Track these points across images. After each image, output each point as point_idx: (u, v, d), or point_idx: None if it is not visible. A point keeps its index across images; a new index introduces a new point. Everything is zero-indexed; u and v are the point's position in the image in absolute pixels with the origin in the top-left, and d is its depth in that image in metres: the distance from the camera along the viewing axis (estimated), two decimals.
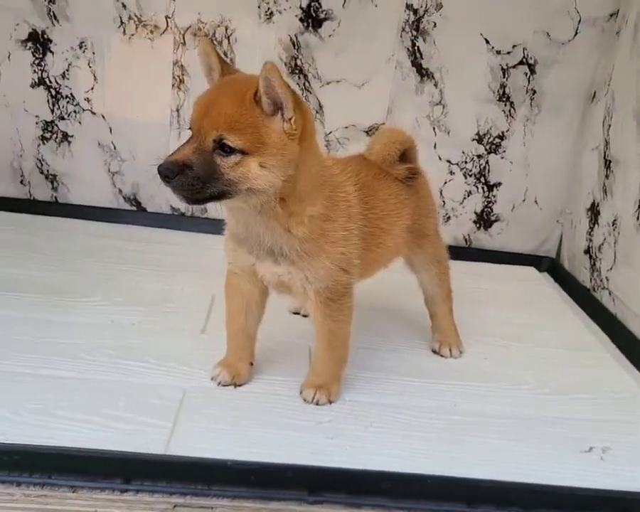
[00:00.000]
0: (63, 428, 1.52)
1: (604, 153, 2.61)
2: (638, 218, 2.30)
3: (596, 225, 2.64)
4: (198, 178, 1.39)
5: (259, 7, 2.65)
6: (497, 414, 1.79)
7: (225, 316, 1.81)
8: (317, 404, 1.72)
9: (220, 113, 1.39)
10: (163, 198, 2.94)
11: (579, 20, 2.67)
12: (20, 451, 1.40)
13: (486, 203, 2.97)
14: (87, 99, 2.80)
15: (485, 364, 2.07)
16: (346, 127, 2.80)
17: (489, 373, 2.00)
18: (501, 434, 1.69)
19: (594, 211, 2.67)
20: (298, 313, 2.24)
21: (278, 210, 1.50)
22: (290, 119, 1.43)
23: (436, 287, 2.07)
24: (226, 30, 2.68)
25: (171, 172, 1.38)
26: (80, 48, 2.72)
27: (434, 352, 2.11)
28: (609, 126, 2.58)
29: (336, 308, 1.66)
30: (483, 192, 2.95)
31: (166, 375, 1.79)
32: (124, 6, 2.66)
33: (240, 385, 1.77)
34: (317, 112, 2.78)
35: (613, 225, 2.49)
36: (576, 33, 2.70)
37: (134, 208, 2.97)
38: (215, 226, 2.89)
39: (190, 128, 1.45)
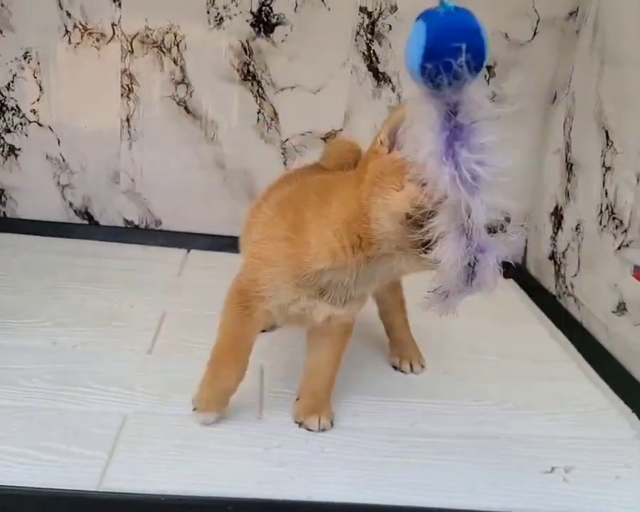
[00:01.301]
0: None
1: (566, 156, 2.55)
2: (600, 223, 2.25)
3: (559, 230, 2.59)
4: None
5: (208, 12, 2.56)
6: (457, 433, 1.70)
7: (218, 347, 1.61)
8: (323, 431, 1.64)
9: None
10: (115, 211, 2.84)
11: (538, 20, 2.62)
12: None
13: None
14: (34, 111, 2.68)
15: (445, 379, 1.99)
16: (303, 134, 2.72)
17: (450, 389, 1.92)
18: (460, 455, 1.61)
19: (557, 216, 2.62)
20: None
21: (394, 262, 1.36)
22: None
23: (390, 293, 1.97)
24: (175, 36, 2.59)
25: None
26: (25, 58, 2.61)
27: (394, 367, 2.02)
28: (570, 128, 2.53)
29: (352, 323, 1.61)
30: None
31: (106, 400, 1.68)
32: (68, 14, 2.55)
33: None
34: (272, 120, 2.69)
35: (576, 229, 2.44)
36: (535, 34, 2.64)
37: (86, 222, 2.86)
38: (169, 239, 2.85)
39: None
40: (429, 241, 1.18)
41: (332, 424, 1.67)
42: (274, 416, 1.70)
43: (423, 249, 1.21)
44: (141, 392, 1.73)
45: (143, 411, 1.66)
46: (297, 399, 1.72)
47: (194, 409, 1.63)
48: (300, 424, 1.66)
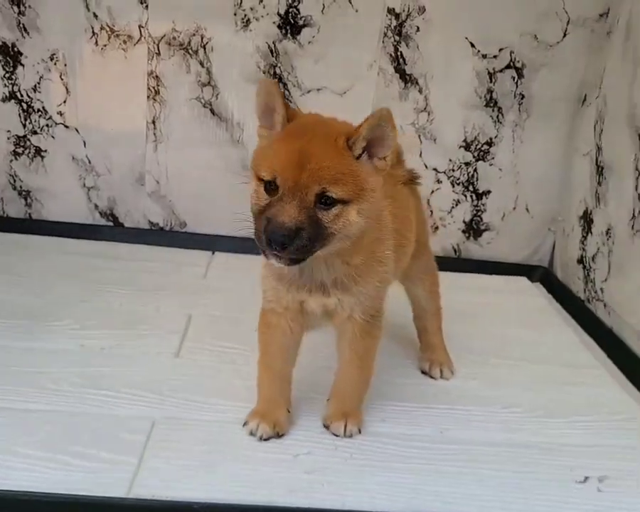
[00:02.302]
0: (21, 468, 1.42)
1: (596, 159, 2.51)
2: (633, 227, 2.21)
3: (589, 234, 2.55)
4: (309, 239, 1.30)
5: (235, 14, 2.55)
6: (487, 441, 1.68)
7: (258, 359, 1.65)
8: (350, 436, 1.62)
9: (320, 166, 1.30)
10: (140, 213, 2.84)
11: (568, 21, 2.58)
12: None
13: (475, 212, 2.87)
14: (60, 113, 2.70)
15: (474, 385, 1.96)
16: None
17: (479, 396, 1.90)
18: (490, 463, 1.59)
19: (587, 219, 2.58)
20: None
21: (344, 247, 1.42)
22: (384, 158, 1.38)
23: (428, 300, 1.99)
24: (202, 39, 2.59)
25: (289, 239, 1.28)
26: (52, 60, 2.62)
27: (423, 372, 2.00)
28: (601, 130, 2.49)
29: (374, 325, 1.59)
30: (472, 200, 2.85)
31: (134, 405, 1.69)
32: (95, 16, 2.56)
33: (282, 435, 1.61)
34: None
35: (607, 234, 2.40)
36: (565, 35, 2.60)
37: (111, 224, 2.87)
38: (194, 241, 2.85)
39: (269, 181, 1.34)
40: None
41: (360, 431, 1.65)
42: (303, 421, 1.69)
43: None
44: (169, 397, 1.73)
45: (171, 416, 1.66)
46: (327, 400, 1.71)
47: (244, 424, 1.62)
48: (327, 428, 1.65)
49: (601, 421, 1.84)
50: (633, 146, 2.22)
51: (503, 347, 2.21)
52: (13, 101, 2.68)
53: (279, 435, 1.61)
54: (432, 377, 1.98)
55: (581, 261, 2.61)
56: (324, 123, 1.43)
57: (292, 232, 1.27)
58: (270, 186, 1.34)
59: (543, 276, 2.92)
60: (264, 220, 1.31)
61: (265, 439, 1.58)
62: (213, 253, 2.83)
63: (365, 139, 1.34)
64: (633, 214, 2.20)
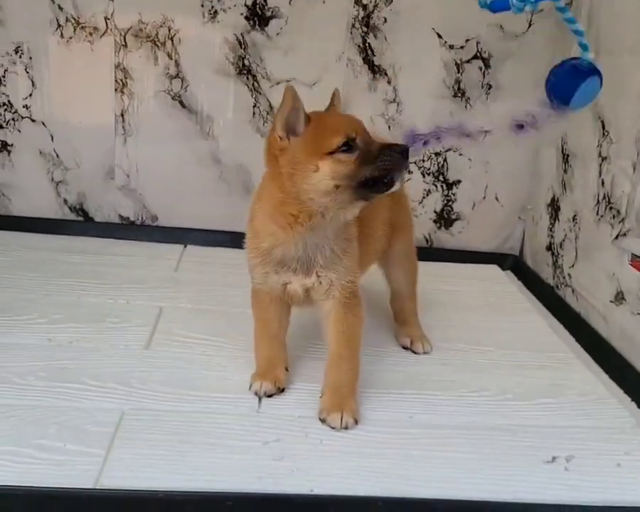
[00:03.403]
0: None
1: (562, 147, 2.54)
2: (597, 213, 2.24)
3: (557, 221, 2.58)
4: None
5: (202, 5, 2.54)
6: (456, 425, 1.70)
7: (254, 329, 1.81)
8: (346, 428, 1.62)
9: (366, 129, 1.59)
10: (110, 207, 2.82)
11: (532, 12, 2.61)
12: None
13: (445, 202, 2.90)
14: (26, 106, 2.67)
15: (444, 370, 1.98)
16: None
17: (448, 381, 1.91)
18: (459, 447, 1.60)
19: (554, 207, 2.61)
20: None
21: (340, 225, 1.63)
22: None
23: (406, 284, 2.11)
24: (169, 30, 2.57)
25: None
26: (16, 52, 2.59)
27: (405, 348, 2.09)
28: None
29: (354, 304, 1.71)
30: (443, 190, 2.88)
31: (103, 397, 1.67)
32: (60, 8, 2.54)
33: (282, 390, 1.76)
34: (268, 114, 2.68)
35: (573, 220, 2.43)
36: (529, 25, 2.63)
37: (81, 218, 2.84)
38: (165, 234, 2.84)
39: (352, 140, 1.52)
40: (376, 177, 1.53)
41: (356, 421, 1.64)
42: (273, 409, 1.69)
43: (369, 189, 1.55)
44: (137, 388, 1.72)
45: (140, 407, 1.65)
46: (320, 396, 1.71)
47: (250, 387, 1.75)
48: (323, 421, 1.64)
49: (568, 402, 1.86)
50: (597, 133, 2.26)
51: (472, 333, 2.23)
52: None
53: (280, 390, 1.75)
54: (414, 352, 2.07)
55: (549, 248, 2.64)
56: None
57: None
58: (349, 147, 1.52)
59: (514, 264, 2.95)
60: (381, 154, 1.53)
61: (269, 396, 1.73)
62: (185, 246, 2.82)
63: None
64: (598, 199, 2.24)
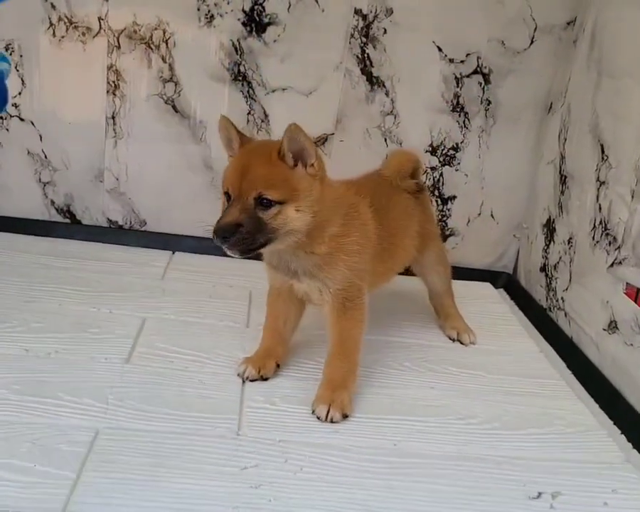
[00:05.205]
0: None
1: (560, 167, 2.50)
2: (593, 238, 2.20)
3: (552, 242, 2.53)
4: (248, 233, 1.62)
5: (198, 9, 2.49)
6: (440, 455, 1.65)
7: (264, 323, 1.97)
8: (332, 421, 1.70)
9: (256, 175, 1.63)
10: (99, 210, 2.77)
11: (535, 28, 2.56)
12: None
13: (440, 217, 2.85)
14: (15, 105, 2.61)
15: (432, 395, 1.93)
16: None
17: (436, 406, 1.87)
18: (443, 478, 1.56)
19: (549, 227, 2.56)
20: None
21: (303, 240, 1.71)
22: (312, 164, 1.67)
23: (441, 284, 2.32)
24: (164, 33, 2.52)
25: (228, 232, 1.61)
26: (7, 50, 2.53)
27: (452, 340, 2.28)
28: (565, 139, 2.47)
29: (350, 307, 1.81)
30: (437, 205, 2.83)
31: (78, 414, 1.62)
32: (53, 6, 2.48)
33: (266, 379, 1.86)
34: (262, 122, 2.63)
35: (569, 243, 2.39)
36: (532, 42, 2.58)
37: (68, 221, 2.78)
38: (154, 240, 2.78)
39: (226, 192, 1.68)
40: None
41: (345, 417, 1.71)
42: (254, 432, 1.64)
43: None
44: (115, 405, 1.67)
45: (115, 426, 1.60)
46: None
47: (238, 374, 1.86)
48: (313, 412, 1.72)
49: (557, 434, 1.82)
50: (596, 156, 2.21)
51: (461, 355, 2.19)
52: None
53: (263, 378, 1.86)
54: (462, 343, 2.27)
55: (543, 269, 2.60)
56: (266, 143, 1.81)
57: (231, 228, 1.60)
58: (228, 197, 1.67)
59: (507, 282, 2.91)
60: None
61: (251, 380, 1.84)
62: (174, 253, 2.77)
63: (289, 151, 1.64)
64: (594, 224, 2.19)
